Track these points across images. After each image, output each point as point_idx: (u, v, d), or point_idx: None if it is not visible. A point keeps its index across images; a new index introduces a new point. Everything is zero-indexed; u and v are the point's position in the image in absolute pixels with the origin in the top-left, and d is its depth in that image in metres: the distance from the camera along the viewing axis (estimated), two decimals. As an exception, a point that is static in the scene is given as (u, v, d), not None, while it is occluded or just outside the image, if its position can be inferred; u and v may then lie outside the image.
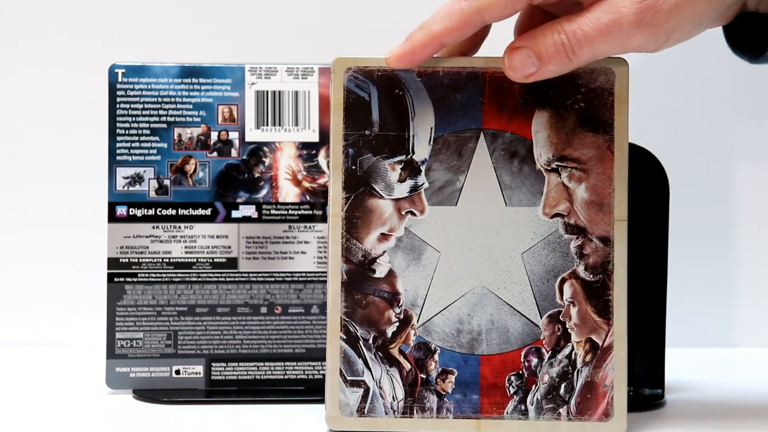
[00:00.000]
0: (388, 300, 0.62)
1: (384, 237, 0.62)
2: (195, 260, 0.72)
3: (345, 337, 0.61)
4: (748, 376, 0.83)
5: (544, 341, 0.61)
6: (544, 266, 0.62)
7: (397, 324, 0.62)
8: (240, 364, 0.72)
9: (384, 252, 0.62)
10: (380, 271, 0.62)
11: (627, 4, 0.58)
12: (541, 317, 0.61)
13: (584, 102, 0.62)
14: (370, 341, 0.62)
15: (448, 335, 0.62)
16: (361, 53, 0.63)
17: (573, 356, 0.61)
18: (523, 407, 0.61)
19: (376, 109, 0.62)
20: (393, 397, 0.61)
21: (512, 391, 0.61)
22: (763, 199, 0.93)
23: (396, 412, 0.61)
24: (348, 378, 0.61)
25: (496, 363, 0.61)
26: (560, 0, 0.61)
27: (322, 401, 0.64)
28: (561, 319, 0.61)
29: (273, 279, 0.72)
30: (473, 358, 0.61)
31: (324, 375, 0.72)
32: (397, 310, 0.62)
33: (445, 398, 0.61)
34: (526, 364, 0.61)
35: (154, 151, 0.72)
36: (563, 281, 0.61)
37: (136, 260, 0.72)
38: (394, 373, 0.62)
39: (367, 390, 0.61)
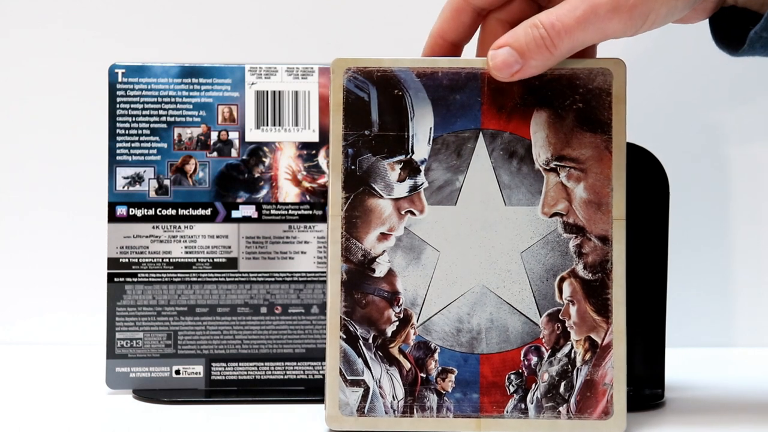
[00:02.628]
0: (388, 299, 0.62)
1: (383, 236, 0.62)
2: (195, 260, 0.72)
3: (345, 337, 0.62)
4: (747, 375, 0.83)
5: (543, 340, 0.61)
6: (543, 265, 0.62)
7: (397, 323, 0.62)
8: (240, 364, 0.72)
9: (383, 251, 0.62)
10: (380, 271, 0.62)
11: None
12: (541, 316, 0.62)
13: (582, 102, 0.62)
14: (370, 341, 0.62)
15: (447, 334, 0.62)
16: (360, 53, 0.63)
17: (572, 355, 0.61)
18: (523, 406, 0.61)
19: (376, 109, 0.62)
20: (393, 397, 0.61)
21: (512, 389, 0.61)
22: (762, 199, 0.94)
23: (396, 412, 0.61)
24: (348, 377, 0.61)
25: (496, 362, 0.61)
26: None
27: (322, 401, 0.64)
28: (560, 317, 0.61)
29: (273, 279, 0.72)
30: (473, 357, 0.62)
31: (324, 375, 0.72)
32: (397, 310, 0.62)
33: (445, 397, 0.61)
34: (526, 362, 0.62)
35: (154, 151, 0.72)
36: (562, 280, 0.62)
37: (136, 260, 0.72)
38: (394, 372, 0.62)
39: (367, 389, 0.61)
